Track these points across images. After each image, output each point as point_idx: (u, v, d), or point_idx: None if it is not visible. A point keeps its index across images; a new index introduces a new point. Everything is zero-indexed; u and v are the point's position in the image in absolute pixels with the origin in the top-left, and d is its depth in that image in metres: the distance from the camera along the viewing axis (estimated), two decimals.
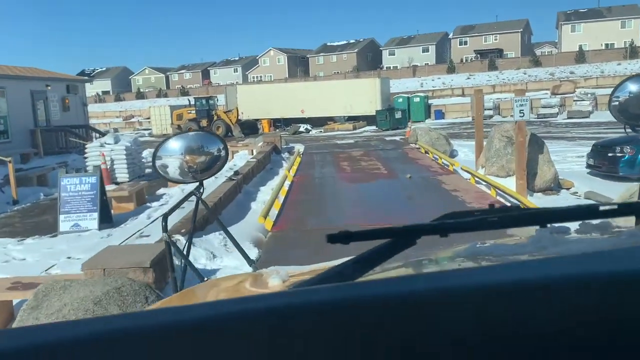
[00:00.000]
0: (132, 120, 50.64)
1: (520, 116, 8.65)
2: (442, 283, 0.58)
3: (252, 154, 15.65)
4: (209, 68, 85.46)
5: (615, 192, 8.32)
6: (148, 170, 15.25)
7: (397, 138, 22.19)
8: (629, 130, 1.73)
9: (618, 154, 10.38)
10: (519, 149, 8.90)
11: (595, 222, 1.03)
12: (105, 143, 13.21)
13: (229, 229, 7.65)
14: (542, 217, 0.86)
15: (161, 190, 11.40)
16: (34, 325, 0.56)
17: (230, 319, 0.52)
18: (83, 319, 0.62)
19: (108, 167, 12.92)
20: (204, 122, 32.78)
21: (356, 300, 0.54)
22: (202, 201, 1.97)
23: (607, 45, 57.88)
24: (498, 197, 8.86)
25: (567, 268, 0.61)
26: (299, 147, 18.27)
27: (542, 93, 35.90)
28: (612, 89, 1.71)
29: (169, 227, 2.30)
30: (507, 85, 39.67)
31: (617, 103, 1.66)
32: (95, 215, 8.37)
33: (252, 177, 11.48)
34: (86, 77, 35.53)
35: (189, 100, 37.69)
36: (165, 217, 1.94)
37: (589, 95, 31.84)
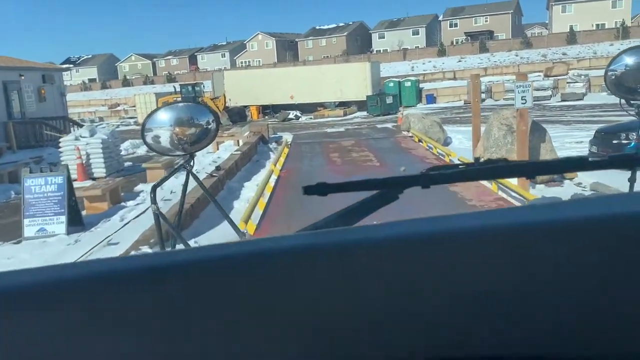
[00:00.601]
0: (118, 108, 49.54)
1: (522, 103, 8.01)
2: (444, 226, 0.59)
3: (238, 145, 14.94)
4: (196, 53, 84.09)
5: (624, 183, 7.72)
6: (128, 164, 14.53)
7: (389, 125, 21.50)
8: (623, 103, 1.68)
9: (624, 141, 9.76)
10: (521, 139, 8.29)
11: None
12: (81, 136, 12.45)
13: (208, 233, 7.03)
14: (526, 168, 0.83)
15: (139, 187, 10.69)
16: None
17: (230, 259, 0.53)
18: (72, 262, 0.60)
19: (84, 161, 12.18)
20: None
21: (356, 241, 0.55)
22: (193, 174, 1.87)
23: (598, 25, 57.41)
24: (500, 193, 8.23)
25: (571, 211, 0.63)
26: (287, 137, 17.49)
27: (534, 75, 35.24)
28: (607, 63, 1.66)
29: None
30: (499, 68, 39.05)
31: (613, 76, 1.63)
32: (63, 218, 7.68)
33: (236, 172, 10.80)
34: (65, 66, 34.45)
35: (174, 87, 36.79)
36: (154, 188, 1.87)
37: (583, 77, 31.31)
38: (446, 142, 14.91)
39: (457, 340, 0.47)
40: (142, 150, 17.17)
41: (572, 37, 51.05)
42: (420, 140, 14.51)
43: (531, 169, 0.83)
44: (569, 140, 14.47)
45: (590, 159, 0.84)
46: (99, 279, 0.51)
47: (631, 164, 0.93)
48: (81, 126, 16.85)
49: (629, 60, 1.64)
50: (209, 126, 1.77)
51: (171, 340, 0.46)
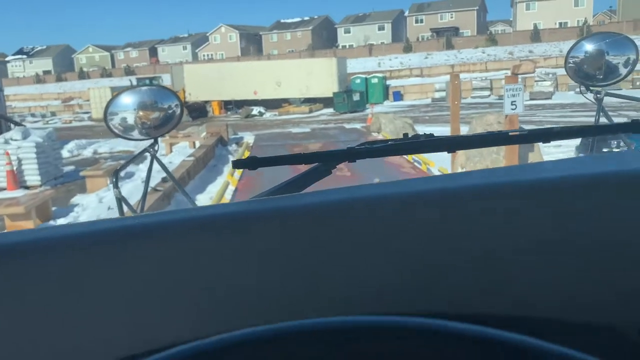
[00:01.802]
0: (72, 102, 47.13)
1: (512, 109, 7.08)
2: (429, 185, 0.62)
3: (194, 147, 13.65)
4: (156, 46, 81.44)
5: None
6: (70, 168, 13.07)
7: (358, 126, 20.43)
8: (583, 89, 1.69)
9: (614, 149, 8.99)
10: (510, 149, 7.35)
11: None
12: (12, 139, 10.95)
13: None
14: (449, 142, 0.84)
15: (77, 199, 9.32)
16: None
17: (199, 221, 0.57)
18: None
19: (15, 168, 10.71)
20: None
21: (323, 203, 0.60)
22: (157, 159, 1.76)
23: (561, 24, 58.06)
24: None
25: (576, 169, 0.65)
26: (249, 138, 16.19)
27: (502, 73, 34.86)
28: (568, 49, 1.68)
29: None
30: (466, 65, 38.59)
31: (572, 63, 1.66)
32: None
33: (188, 180, 9.55)
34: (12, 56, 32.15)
35: (130, 81, 35.00)
36: (116, 172, 1.75)
37: (550, 75, 31.03)
38: None
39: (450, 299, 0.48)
40: (89, 152, 15.68)
41: (536, 35, 51.45)
42: None
43: (454, 144, 0.83)
44: (545, 145, 13.75)
45: (510, 133, 0.86)
46: (90, 237, 0.55)
47: (548, 138, 0.92)
48: (22, 125, 15.22)
49: (588, 47, 1.67)
50: (174, 110, 1.74)
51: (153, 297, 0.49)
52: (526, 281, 0.50)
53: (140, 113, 1.71)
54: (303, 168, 0.96)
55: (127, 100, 1.71)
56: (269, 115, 31.22)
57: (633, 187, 0.56)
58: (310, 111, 30.94)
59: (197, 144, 13.78)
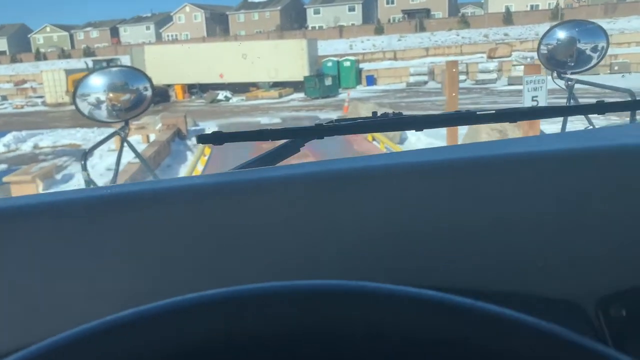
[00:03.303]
0: (25, 86, 44.15)
1: (533, 105, 5.73)
2: (420, 158, 0.65)
3: (148, 141, 11.98)
4: (118, 25, 77.97)
5: None
6: (1, 167, 11.27)
7: (334, 116, 18.97)
8: (555, 76, 1.72)
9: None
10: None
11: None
12: None
13: None
14: (416, 121, 0.85)
15: None
16: None
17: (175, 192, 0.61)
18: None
19: None
20: None
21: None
22: (127, 142, 1.80)
23: (532, 6, 57.59)
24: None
25: (580, 141, 0.66)
26: (211, 130, 14.39)
27: (477, 56, 33.83)
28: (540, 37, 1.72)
29: None
30: (440, 48, 37.34)
31: (545, 50, 1.69)
32: None
33: None
34: None
35: (86, 63, 32.57)
36: (85, 155, 1.81)
37: (528, 59, 30.05)
38: (403, 139, 12.58)
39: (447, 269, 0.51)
40: (29, 146, 13.80)
41: (508, 18, 50.90)
42: (374, 139, 12.03)
43: (421, 122, 0.84)
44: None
45: (478, 112, 0.86)
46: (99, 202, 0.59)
47: (516, 117, 0.92)
48: None
49: (561, 34, 1.69)
50: (145, 92, 1.71)
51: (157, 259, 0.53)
52: (497, 252, 0.54)
53: (110, 95, 1.67)
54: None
55: (97, 81, 1.67)
56: (235, 100, 29.42)
57: (606, 160, 0.60)
58: (280, 96, 29.28)
59: (152, 138, 12.11)
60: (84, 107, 1.63)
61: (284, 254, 0.53)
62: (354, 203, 0.55)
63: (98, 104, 1.63)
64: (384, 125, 0.89)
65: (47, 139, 14.17)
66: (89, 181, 1.70)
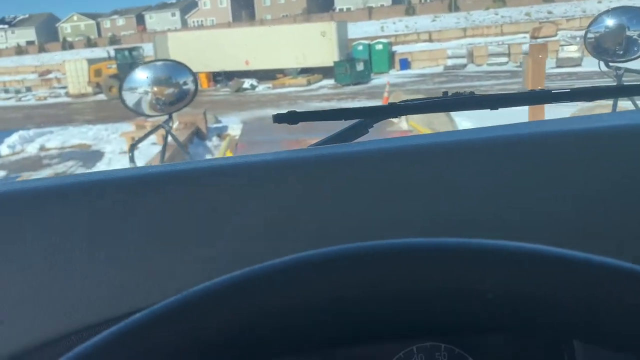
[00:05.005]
0: (50, 76, 43.56)
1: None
2: (450, 138, 0.66)
3: (163, 142, 10.50)
4: (143, 13, 77.37)
5: None
6: (1, 174, 10.01)
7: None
8: (603, 65, 1.63)
9: None
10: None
11: None
12: None
13: None
14: (492, 100, 0.85)
15: None
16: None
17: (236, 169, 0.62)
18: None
19: None
20: None
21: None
22: (172, 134, 1.90)
23: None
24: None
25: (582, 122, 0.66)
26: (234, 127, 12.65)
27: (520, 37, 31.51)
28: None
29: None
30: (479, 29, 35.04)
31: (592, 38, 1.62)
32: None
33: None
34: None
35: (108, 53, 31.40)
36: (132, 147, 1.93)
37: (577, 39, 27.67)
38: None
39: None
40: (35, 147, 12.55)
41: None
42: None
43: (494, 101, 0.83)
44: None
45: (553, 91, 0.85)
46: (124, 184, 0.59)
47: (591, 97, 0.89)
48: None
49: (609, 21, 1.59)
50: (188, 86, 1.74)
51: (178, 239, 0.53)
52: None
53: (155, 89, 1.70)
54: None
55: (142, 75, 1.69)
56: (261, 88, 27.91)
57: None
58: (309, 83, 27.64)
59: (169, 139, 10.66)
60: (130, 100, 1.66)
61: (353, 228, 0.54)
62: (390, 183, 0.57)
63: (143, 97, 1.66)
64: (457, 104, 0.87)
65: (55, 139, 12.91)
66: None
